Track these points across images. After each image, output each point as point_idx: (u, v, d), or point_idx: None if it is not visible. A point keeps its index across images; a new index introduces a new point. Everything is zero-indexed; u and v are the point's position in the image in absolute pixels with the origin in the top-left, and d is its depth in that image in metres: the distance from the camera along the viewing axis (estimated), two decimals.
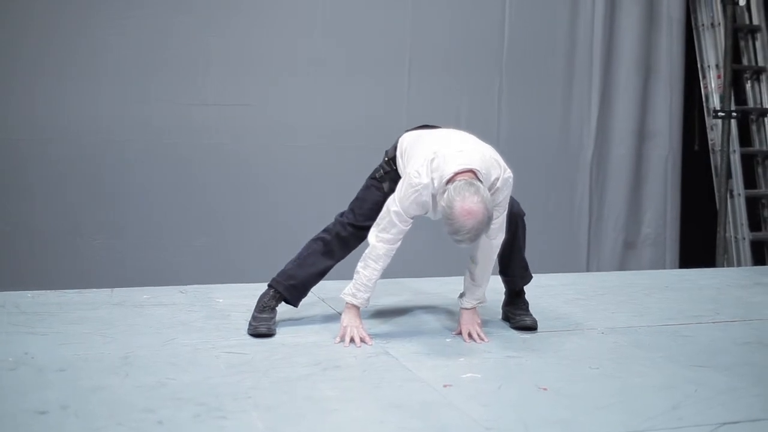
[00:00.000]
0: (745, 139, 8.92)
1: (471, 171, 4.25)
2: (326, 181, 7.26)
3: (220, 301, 5.34)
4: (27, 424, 3.33)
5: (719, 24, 8.72)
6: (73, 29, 7.02)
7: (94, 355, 4.19)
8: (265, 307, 4.71)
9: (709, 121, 8.85)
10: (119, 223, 7.20)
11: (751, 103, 8.96)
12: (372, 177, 4.78)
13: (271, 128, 7.45)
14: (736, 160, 8.72)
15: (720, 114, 8.49)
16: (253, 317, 4.68)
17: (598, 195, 8.47)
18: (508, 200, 4.52)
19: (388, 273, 6.08)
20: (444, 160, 4.30)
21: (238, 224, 7.33)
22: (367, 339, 4.53)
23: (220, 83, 7.37)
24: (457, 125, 7.75)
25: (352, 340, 4.50)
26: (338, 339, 4.53)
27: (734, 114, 8.52)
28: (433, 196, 4.33)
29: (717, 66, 8.77)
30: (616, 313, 5.37)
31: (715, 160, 8.75)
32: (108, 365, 4.04)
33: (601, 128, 8.42)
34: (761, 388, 4.01)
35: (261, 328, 4.61)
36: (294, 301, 4.80)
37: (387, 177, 4.69)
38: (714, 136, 8.80)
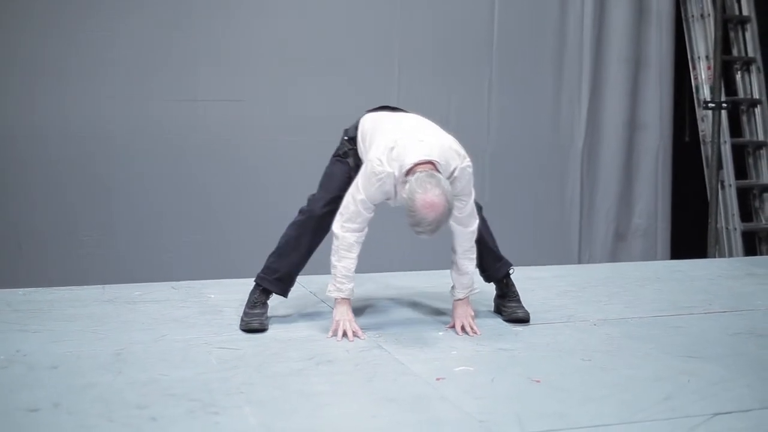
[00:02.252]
0: (735, 129, 8.93)
1: (430, 162, 4.26)
2: (318, 176, 7.24)
3: (212, 296, 5.34)
4: (19, 422, 3.33)
5: (709, 15, 8.73)
6: (69, 28, 7.02)
7: (87, 352, 4.18)
8: (255, 303, 4.71)
9: (699, 112, 8.85)
10: (111, 219, 7.20)
11: (741, 94, 8.97)
12: (335, 155, 4.78)
13: (263, 124, 7.45)
14: (726, 150, 8.73)
15: (710, 105, 8.50)
16: (245, 313, 4.68)
17: (589, 187, 8.48)
18: (471, 187, 4.52)
19: (379, 267, 6.10)
20: (404, 149, 4.31)
21: (231, 220, 7.33)
22: (360, 333, 4.53)
23: (212, 80, 7.37)
24: (448, 119, 7.86)
25: (344, 334, 4.50)
26: (331, 333, 4.53)
27: (725, 105, 8.53)
28: (395, 187, 4.34)
29: (707, 57, 8.78)
30: (608, 304, 5.37)
31: (706, 151, 8.76)
32: (100, 362, 4.04)
33: (592, 120, 8.43)
34: (753, 379, 4.01)
35: (253, 323, 4.61)
36: (282, 293, 4.81)
37: (350, 153, 4.70)
38: (705, 127, 8.80)
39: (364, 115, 4.80)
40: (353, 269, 4.53)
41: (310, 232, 4.65)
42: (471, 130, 8.02)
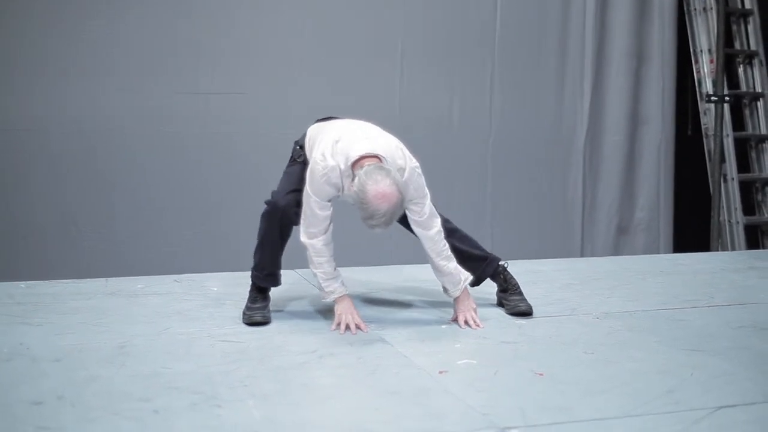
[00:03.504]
0: (738, 123, 8.91)
1: (376, 156, 4.27)
2: None
3: (215, 289, 5.34)
4: (22, 415, 3.33)
5: (711, 8, 8.71)
6: (71, 21, 7.00)
7: (90, 345, 4.19)
8: (256, 298, 4.73)
9: (702, 105, 8.84)
10: (113, 212, 7.19)
11: (743, 87, 8.95)
12: (290, 162, 4.79)
13: (265, 117, 7.44)
14: (729, 144, 8.72)
15: (713, 98, 8.48)
16: (247, 307, 4.70)
17: (592, 181, 8.47)
18: (425, 189, 4.51)
19: (381, 260, 6.10)
20: (348, 143, 4.34)
21: (233, 212, 7.31)
22: (363, 326, 4.53)
23: (214, 72, 7.35)
24: (450, 114, 7.86)
25: (347, 327, 4.50)
26: (334, 326, 4.53)
27: (727, 98, 8.51)
28: (342, 181, 4.34)
29: (709, 50, 8.76)
30: (611, 298, 5.37)
31: (709, 144, 8.75)
32: (103, 355, 4.04)
33: (594, 114, 8.41)
34: (756, 372, 4.02)
35: (256, 316, 4.62)
36: (275, 284, 4.81)
37: (303, 156, 4.69)
38: (707, 120, 8.79)
39: (311, 125, 4.82)
40: (333, 270, 4.55)
41: (277, 222, 4.59)
42: (473, 125, 8.02)
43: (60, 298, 5.07)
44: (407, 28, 7.80)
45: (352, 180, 4.22)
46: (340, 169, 4.31)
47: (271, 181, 6.70)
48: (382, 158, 4.28)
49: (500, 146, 8.12)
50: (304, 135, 4.76)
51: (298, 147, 4.76)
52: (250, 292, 4.76)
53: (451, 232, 4.76)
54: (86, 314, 4.73)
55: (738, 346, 4.43)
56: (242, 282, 4.94)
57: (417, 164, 4.46)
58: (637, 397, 3.63)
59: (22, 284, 5.36)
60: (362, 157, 4.26)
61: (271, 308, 4.74)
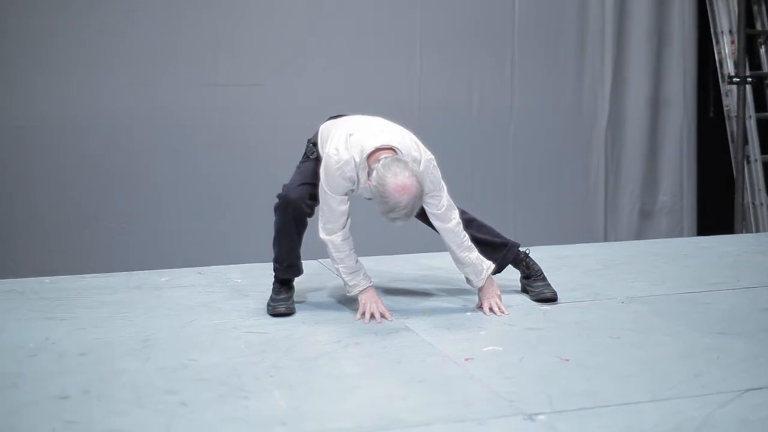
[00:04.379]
0: (760, 104, 8.87)
1: (391, 149, 4.25)
2: None
3: (239, 281, 5.35)
4: (49, 409, 3.34)
5: None
6: (80, 14, 7.03)
7: (115, 339, 4.20)
8: (279, 290, 4.73)
9: (723, 87, 8.80)
10: (134, 207, 7.22)
11: (765, 68, 8.91)
12: (303, 159, 4.77)
13: (282, 109, 7.46)
14: (752, 125, 8.68)
15: (735, 80, 8.45)
16: (271, 298, 4.71)
17: (614, 165, 8.45)
18: (441, 182, 4.49)
19: (404, 249, 6.09)
20: (363, 136, 4.33)
21: (253, 204, 7.32)
22: (387, 315, 4.53)
23: (231, 64, 7.37)
24: (471, 101, 7.85)
25: (372, 316, 4.50)
26: (358, 316, 4.53)
27: (749, 79, 8.47)
28: (357, 174, 4.34)
29: (730, 31, 8.72)
30: (636, 282, 5.35)
31: (731, 126, 8.71)
32: (129, 348, 4.05)
33: (615, 98, 8.39)
34: None
35: (280, 308, 4.63)
36: (297, 274, 4.81)
37: (316, 153, 4.66)
38: (729, 102, 8.75)
39: (324, 122, 4.80)
40: (354, 263, 4.56)
41: (290, 215, 4.58)
42: (494, 111, 8.01)
43: (84, 292, 5.09)
44: (426, 16, 7.80)
45: (368, 173, 4.21)
46: (355, 161, 4.30)
47: (289, 172, 6.71)
48: (397, 150, 4.27)
49: (521, 133, 8.11)
50: (317, 132, 4.74)
51: (311, 144, 4.75)
52: (274, 284, 4.76)
53: (468, 222, 4.74)
54: (111, 308, 4.74)
55: (764, 328, 4.40)
56: (266, 273, 4.95)
57: (432, 156, 4.45)
58: (664, 381, 3.61)
59: (47, 279, 5.38)
60: (377, 150, 4.25)
61: (294, 299, 4.74)
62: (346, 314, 4.63)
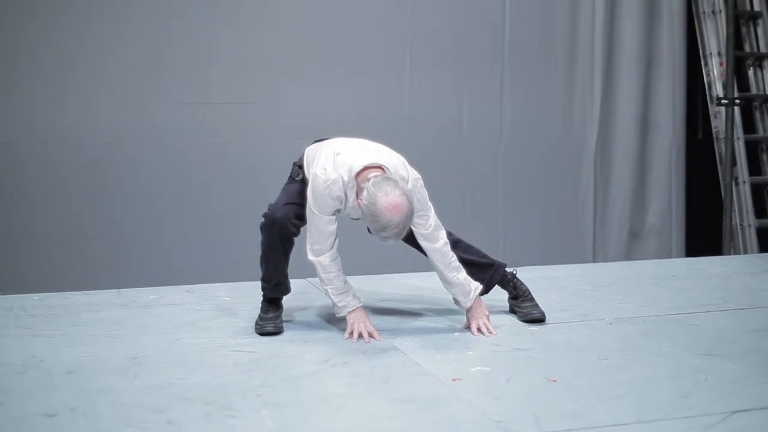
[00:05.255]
0: (748, 125, 8.88)
1: (379, 167, 4.26)
2: None
3: (227, 299, 5.35)
4: (36, 427, 3.33)
5: (720, 11, 8.69)
6: (72, 29, 7.02)
7: (102, 357, 4.19)
8: (268, 309, 4.73)
9: (712, 108, 8.82)
10: (123, 223, 7.20)
11: (754, 90, 8.93)
12: (288, 181, 4.76)
13: (274, 126, 7.45)
14: (740, 147, 8.69)
15: (723, 101, 8.47)
16: (260, 317, 4.71)
17: (603, 185, 8.46)
18: (428, 202, 4.50)
19: (393, 268, 6.09)
20: (350, 155, 4.35)
21: (243, 222, 7.31)
22: (375, 334, 4.53)
23: (222, 81, 7.36)
24: (460, 119, 7.85)
25: (360, 335, 4.50)
26: (346, 335, 4.53)
27: (737, 101, 8.49)
28: (345, 194, 4.34)
29: (719, 53, 8.74)
30: (624, 303, 5.36)
31: (719, 147, 8.73)
32: (116, 366, 4.04)
33: (604, 119, 8.40)
34: None
35: (268, 327, 4.62)
36: (285, 293, 4.80)
37: (302, 174, 4.65)
38: (718, 123, 8.77)
39: (309, 145, 4.81)
40: (343, 284, 4.56)
41: (275, 234, 4.57)
42: (484, 130, 8.02)
43: (72, 309, 5.08)
44: (416, 33, 7.80)
45: (357, 193, 4.22)
46: (343, 180, 4.30)
47: (280, 190, 6.71)
48: (386, 168, 4.27)
49: (511, 152, 8.12)
50: (302, 155, 4.74)
51: (296, 167, 4.74)
52: (262, 302, 4.76)
53: (454, 244, 4.73)
54: (99, 326, 4.74)
55: (752, 349, 4.41)
56: (254, 291, 4.94)
57: (419, 176, 4.47)
58: (651, 403, 3.62)
59: (35, 296, 5.38)
60: (366, 168, 4.26)
61: (283, 318, 4.73)
62: (334, 333, 4.63)
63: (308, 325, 4.81)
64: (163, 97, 7.21)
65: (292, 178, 4.74)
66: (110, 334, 4.57)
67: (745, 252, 8.57)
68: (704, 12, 8.83)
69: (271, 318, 4.67)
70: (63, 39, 7.01)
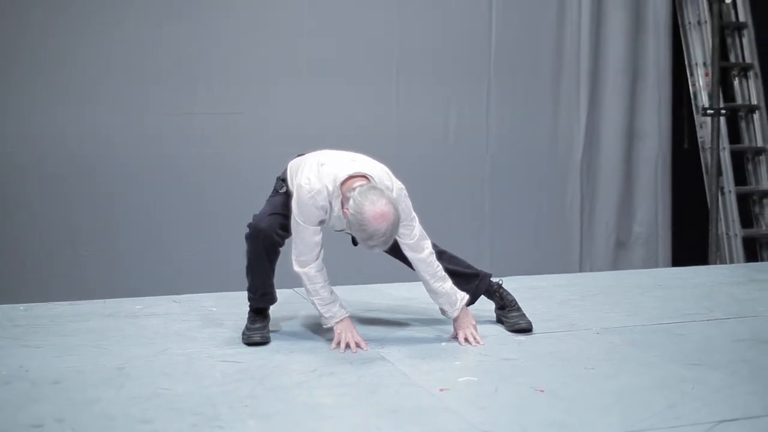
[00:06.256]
0: (734, 136, 8.93)
1: (364, 176, 4.26)
2: None
3: (214, 309, 5.34)
4: None
5: (706, 22, 8.73)
6: (65, 43, 7.03)
7: (89, 367, 4.18)
8: (255, 319, 4.72)
9: (698, 119, 8.85)
10: (112, 234, 7.19)
11: (739, 100, 8.97)
12: (272, 194, 4.76)
13: (263, 136, 7.45)
14: (726, 157, 8.73)
15: (709, 111, 8.50)
16: (247, 328, 4.70)
17: (590, 196, 8.48)
18: (412, 211, 4.50)
19: (380, 278, 6.09)
20: (334, 165, 4.36)
21: (231, 232, 7.29)
22: (362, 344, 4.52)
23: (211, 92, 7.37)
24: (446, 130, 7.86)
25: (347, 345, 4.50)
26: (333, 345, 4.53)
27: (723, 111, 8.53)
28: (330, 203, 4.34)
29: (705, 64, 8.78)
30: (611, 313, 5.37)
31: (705, 157, 8.76)
32: (103, 377, 4.03)
33: (591, 129, 8.43)
34: (757, 385, 4.01)
35: (254, 337, 4.62)
36: (272, 302, 4.80)
37: (285, 188, 4.67)
38: (703, 134, 8.81)
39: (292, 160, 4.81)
40: (329, 293, 4.56)
41: (260, 244, 4.57)
42: (470, 141, 8.03)
43: (59, 320, 5.07)
44: (403, 45, 7.82)
45: (343, 202, 4.22)
46: (327, 190, 4.31)
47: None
48: (370, 178, 4.28)
49: (497, 163, 8.13)
50: (285, 169, 4.74)
51: (280, 181, 4.75)
52: (249, 312, 4.76)
53: (439, 254, 4.72)
54: (85, 336, 4.72)
55: (738, 359, 4.42)
56: (241, 302, 4.94)
57: (402, 186, 4.47)
58: (638, 413, 3.62)
59: (21, 307, 5.36)
60: (351, 177, 4.27)
61: (270, 328, 4.73)
62: (321, 343, 4.63)
63: (295, 335, 4.80)
64: (149, 108, 7.23)
65: (276, 191, 4.74)
66: (97, 345, 4.55)
67: (731, 261, 8.61)
68: (690, 23, 8.87)
69: (257, 328, 4.66)
70: (55, 52, 7.02)
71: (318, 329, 4.84)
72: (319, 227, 4.43)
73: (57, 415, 3.53)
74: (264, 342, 4.61)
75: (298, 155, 4.79)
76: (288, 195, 4.57)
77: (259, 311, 4.73)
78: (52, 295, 5.99)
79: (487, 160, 8.08)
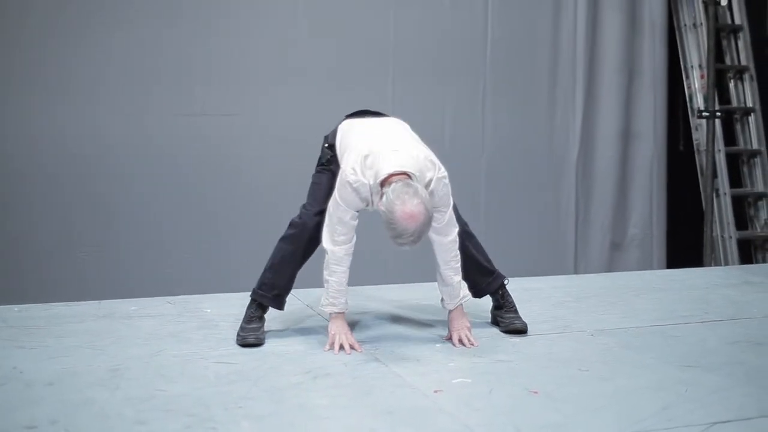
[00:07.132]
0: (729, 138, 8.94)
1: (405, 173, 4.26)
2: None
3: (209, 311, 5.33)
4: None
5: (701, 24, 8.74)
6: (64, 44, 7.02)
7: (83, 369, 4.17)
8: (252, 318, 4.71)
9: (693, 121, 8.86)
10: (106, 234, 7.19)
11: (734, 102, 8.98)
12: (319, 164, 4.78)
13: (260, 137, 7.46)
14: (721, 159, 8.75)
15: (704, 114, 8.51)
16: (241, 328, 4.68)
17: (585, 197, 8.48)
18: (449, 198, 4.51)
19: (374, 280, 6.09)
20: (378, 158, 4.32)
21: (228, 234, 7.32)
22: (356, 346, 4.52)
23: (211, 93, 7.37)
24: (442, 130, 7.87)
25: (341, 347, 4.50)
26: (327, 347, 4.52)
27: (718, 113, 8.53)
28: (371, 196, 4.35)
29: (700, 66, 8.79)
30: (605, 314, 5.37)
31: (701, 159, 8.77)
32: (97, 378, 4.03)
33: (586, 131, 8.43)
34: (751, 387, 4.01)
35: (249, 338, 4.60)
36: (280, 308, 4.80)
37: (332, 160, 4.68)
38: (699, 136, 8.81)
39: (342, 120, 4.80)
40: (345, 282, 4.54)
41: (304, 244, 4.63)
42: (465, 141, 8.03)
43: (53, 321, 5.06)
44: (399, 46, 7.82)
45: (380, 197, 4.21)
46: (369, 185, 4.31)
47: (268, 200, 6.72)
48: (411, 174, 4.26)
49: (492, 164, 8.13)
50: (335, 132, 4.75)
51: (326, 146, 4.75)
52: (247, 310, 4.73)
53: (468, 236, 4.79)
54: (80, 337, 4.72)
55: (732, 361, 4.42)
56: (236, 303, 4.94)
57: (445, 173, 4.44)
58: (632, 414, 3.62)
59: (16, 308, 5.35)
60: (391, 175, 4.26)
61: (264, 329, 4.72)
62: (315, 345, 4.62)
63: (290, 337, 4.79)
64: (148, 109, 7.23)
65: (321, 164, 4.75)
66: (91, 346, 4.55)
67: (726, 263, 8.61)
68: (685, 25, 8.88)
69: (252, 329, 4.65)
70: (55, 52, 7.01)
71: (312, 331, 4.85)
72: (357, 213, 4.44)
73: (51, 417, 3.53)
74: (258, 343, 4.61)
75: (348, 116, 4.81)
76: (333, 174, 4.57)
77: (259, 307, 4.72)
78: (50, 296, 5.98)
79: (482, 162, 8.08)
